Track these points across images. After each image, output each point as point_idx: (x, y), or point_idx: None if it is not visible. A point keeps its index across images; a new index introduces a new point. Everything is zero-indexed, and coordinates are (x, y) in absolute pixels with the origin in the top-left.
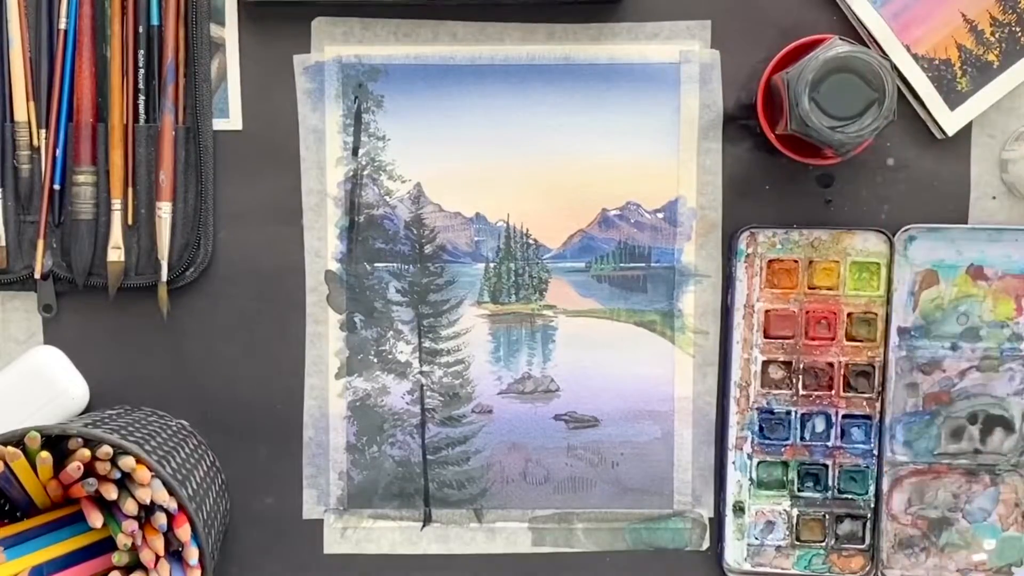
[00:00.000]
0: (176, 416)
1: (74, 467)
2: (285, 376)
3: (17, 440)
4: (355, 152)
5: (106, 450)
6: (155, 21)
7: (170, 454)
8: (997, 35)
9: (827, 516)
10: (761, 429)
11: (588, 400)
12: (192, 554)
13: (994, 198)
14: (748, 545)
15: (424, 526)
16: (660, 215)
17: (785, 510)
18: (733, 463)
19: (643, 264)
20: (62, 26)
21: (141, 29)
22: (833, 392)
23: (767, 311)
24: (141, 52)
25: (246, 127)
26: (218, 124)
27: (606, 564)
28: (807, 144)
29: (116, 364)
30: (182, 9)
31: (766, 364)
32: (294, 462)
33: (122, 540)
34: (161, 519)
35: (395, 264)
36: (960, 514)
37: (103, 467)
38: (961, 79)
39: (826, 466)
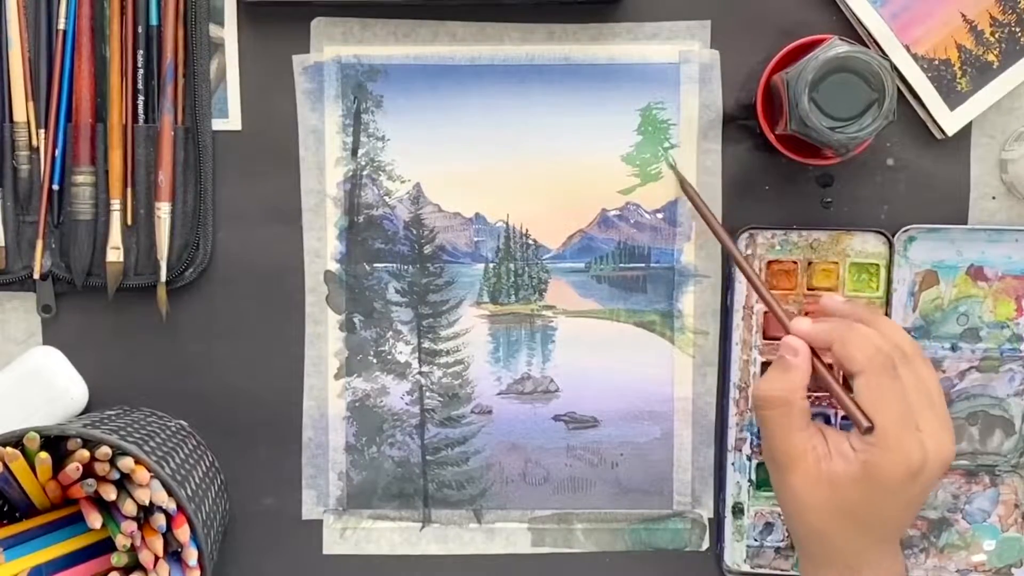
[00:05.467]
0: (175, 416)
1: (73, 468)
2: (284, 376)
3: (16, 441)
4: (354, 152)
5: (105, 451)
6: (154, 21)
7: (169, 455)
8: (997, 35)
9: None
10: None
11: (588, 401)
12: (191, 555)
13: (994, 198)
14: (747, 546)
15: (423, 527)
16: (660, 215)
17: None
18: (732, 464)
19: (643, 264)
20: (61, 26)
21: (140, 29)
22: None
23: (766, 312)
24: (140, 52)
25: (245, 127)
26: (217, 124)
27: (606, 564)
28: (807, 144)
29: (115, 364)
30: (181, 9)
31: (765, 365)
32: (293, 462)
33: (121, 541)
34: (160, 520)
35: (394, 264)
36: (960, 515)
37: (102, 468)
38: (961, 79)
39: None
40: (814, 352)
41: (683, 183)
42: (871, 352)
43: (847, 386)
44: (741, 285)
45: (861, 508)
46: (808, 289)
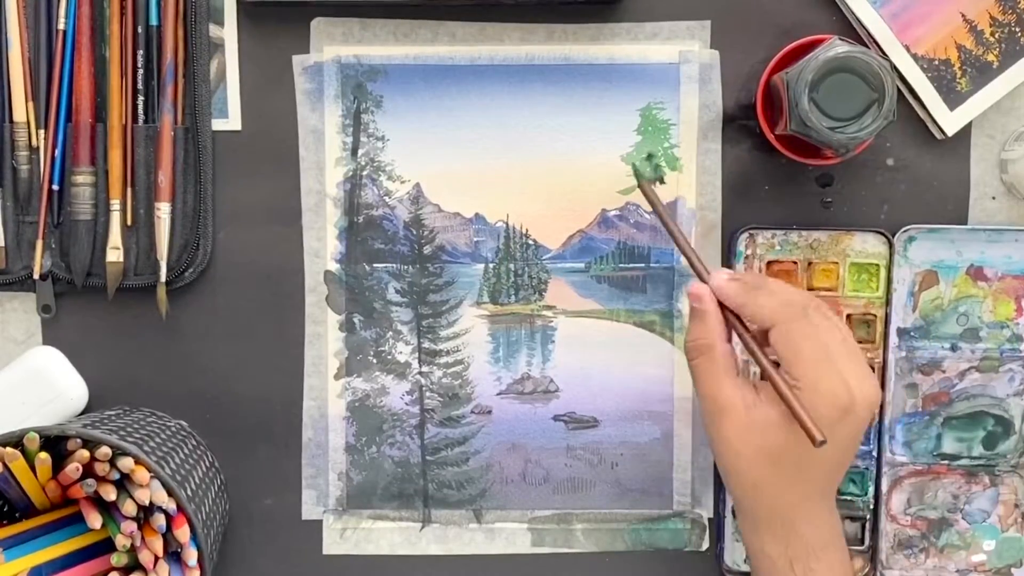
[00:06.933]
0: (175, 417)
1: (73, 468)
2: (284, 376)
3: (16, 441)
4: (354, 152)
5: (105, 451)
6: (154, 21)
7: (169, 455)
8: (997, 35)
9: None
10: None
11: (587, 401)
12: (191, 555)
13: (994, 198)
14: None
15: (423, 527)
16: None
17: None
18: None
19: (643, 264)
20: (61, 26)
21: (140, 29)
22: None
23: None
24: (140, 52)
25: (245, 127)
26: (217, 124)
27: (605, 565)
28: (807, 144)
29: (115, 365)
30: (181, 9)
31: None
32: (293, 463)
33: (121, 541)
34: (160, 520)
35: (394, 264)
36: (959, 515)
37: (102, 468)
38: (961, 79)
39: None
40: (737, 318)
41: (641, 184)
42: (781, 304)
43: (775, 364)
44: None
45: (791, 453)
46: (808, 289)
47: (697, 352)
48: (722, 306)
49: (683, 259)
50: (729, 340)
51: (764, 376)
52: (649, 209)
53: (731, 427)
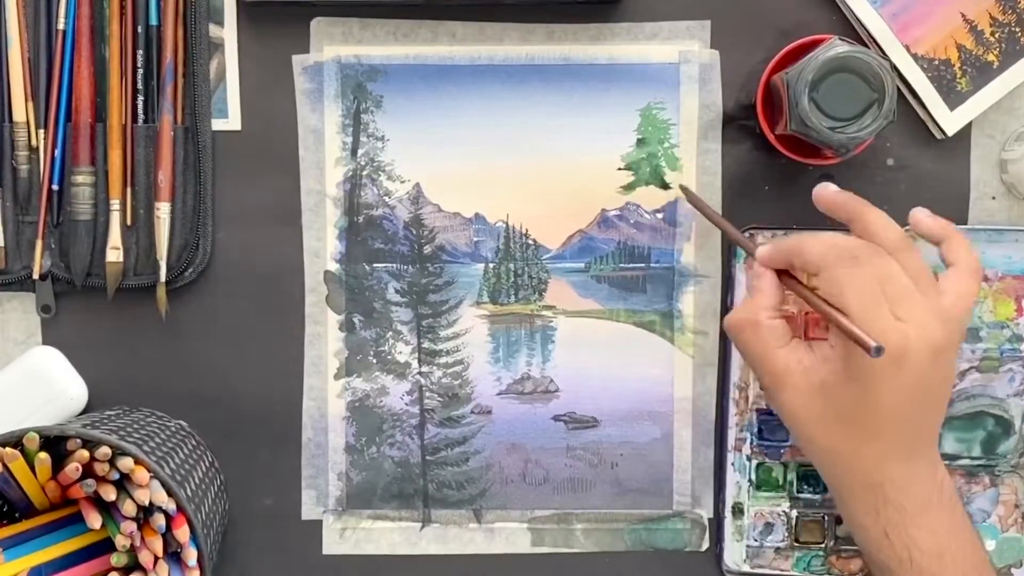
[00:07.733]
0: (175, 417)
1: (72, 468)
2: (284, 377)
3: (15, 441)
4: (354, 152)
5: (104, 451)
6: (154, 21)
7: (169, 455)
8: (997, 35)
9: (826, 518)
10: (760, 431)
11: (587, 401)
12: (191, 555)
13: (994, 198)
14: (747, 546)
15: (423, 527)
16: (660, 215)
17: (784, 512)
18: (732, 464)
19: (643, 264)
20: (60, 26)
21: (140, 29)
22: None
23: None
24: (140, 52)
25: (245, 127)
26: (217, 124)
27: (606, 565)
28: (807, 144)
29: (115, 365)
30: (181, 9)
31: None
32: (293, 463)
33: (120, 541)
34: (160, 520)
35: (394, 264)
36: None
37: (101, 468)
38: (961, 79)
39: None
40: (798, 281)
41: (688, 195)
42: (825, 250)
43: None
44: (741, 286)
45: (857, 410)
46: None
47: (740, 327)
48: (780, 276)
49: (742, 251)
50: (778, 316)
51: (813, 308)
52: (650, 209)
53: (792, 395)
